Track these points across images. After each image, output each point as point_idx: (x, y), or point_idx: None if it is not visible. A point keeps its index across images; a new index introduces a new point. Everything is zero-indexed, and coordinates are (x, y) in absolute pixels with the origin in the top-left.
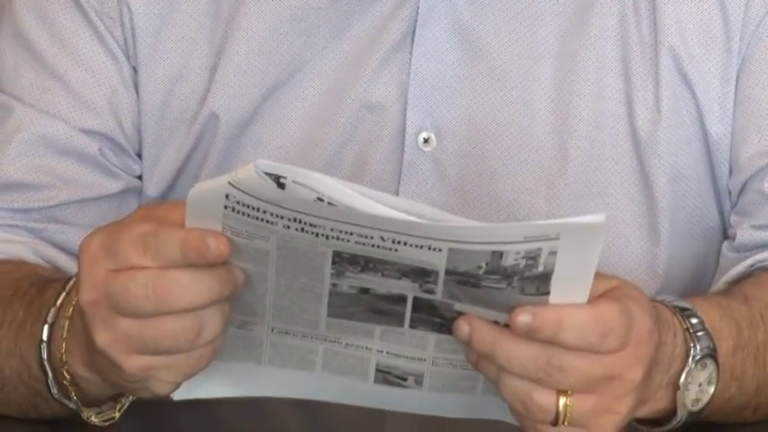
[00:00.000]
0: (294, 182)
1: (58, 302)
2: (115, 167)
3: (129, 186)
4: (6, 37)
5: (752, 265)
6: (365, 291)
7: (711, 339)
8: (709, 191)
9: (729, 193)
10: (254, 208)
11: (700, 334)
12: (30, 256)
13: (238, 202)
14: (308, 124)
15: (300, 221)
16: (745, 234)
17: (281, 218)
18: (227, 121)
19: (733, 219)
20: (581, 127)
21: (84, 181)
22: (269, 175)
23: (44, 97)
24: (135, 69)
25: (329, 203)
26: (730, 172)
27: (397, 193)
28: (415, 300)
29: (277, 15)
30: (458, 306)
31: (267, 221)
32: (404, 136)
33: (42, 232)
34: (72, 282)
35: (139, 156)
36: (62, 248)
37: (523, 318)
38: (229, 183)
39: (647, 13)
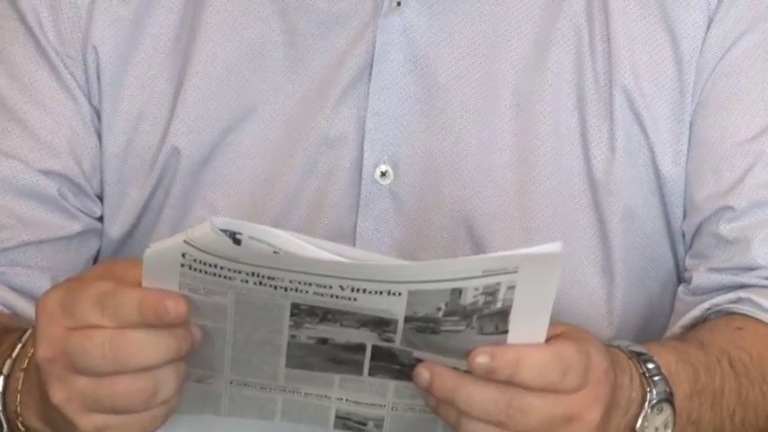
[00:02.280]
0: (250, 237)
1: (14, 354)
2: (74, 208)
3: (88, 228)
4: None
5: (708, 309)
6: (324, 341)
7: (668, 384)
8: (663, 232)
9: (683, 235)
10: (211, 265)
11: (656, 378)
12: None
13: (195, 260)
14: (267, 160)
15: (258, 275)
16: (701, 277)
17: (239, 273)
18: (189, 156)
19: (689, 262)
20: (537, 163)
21: (44, 222)
22: (224, 231)
23: (3, 139)
24: (98, 110)
25: (286, 256)
26: (684, 214)
27: (354, 227)
28: (374, 348)
29: (233, 51)
30: (417, 353)
31: (225, 277)
32: (361, 170)
33: (1, 276)
34: (28, 334)
35: (99, 197)
36: (21, 292)
37: (481, 358)
38: (185, 242)
39: (603, 51)
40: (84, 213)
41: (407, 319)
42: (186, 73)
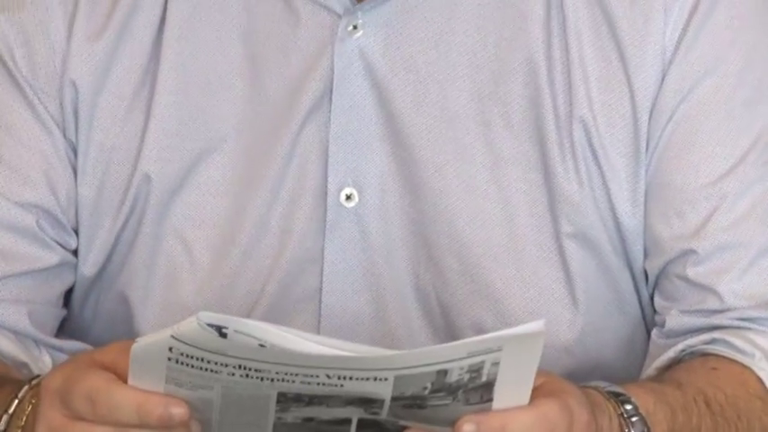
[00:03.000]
0: (236, 331)
1: (11, 410)
2: (52, 240)
3: (64, 260)
4: None
5: (682, 350)
6: (310, 419)
7: (645, 424)
8: (625, 268)
9: (646, 275)
10: (197, 358)
11: (634, 419)
12: None
13: (182, 354)
14: (235, 189)
15: (245, 368)
16: (673, 320)
17: (226, 366)
18: (159, 184)
19: (660, 304)
20: (499, 188)
21: (22, 254)
22: (211, 326)
23: None
24: (74, 144)
25: (272, 348)
26: (646, 254)
27: (322, 251)
28: (360, 419)
29: (196, 81)
30: (403, 421)
31: (211, 371)
32: (326, 194)
33: None
34: (25, 389)
35: (75, 231)
36: (1, 327)
37: (468, 427)
38: (172, 336)
39: (563, 85)
40: (61, 246)
41: (394, 399)
42: (153, 103)
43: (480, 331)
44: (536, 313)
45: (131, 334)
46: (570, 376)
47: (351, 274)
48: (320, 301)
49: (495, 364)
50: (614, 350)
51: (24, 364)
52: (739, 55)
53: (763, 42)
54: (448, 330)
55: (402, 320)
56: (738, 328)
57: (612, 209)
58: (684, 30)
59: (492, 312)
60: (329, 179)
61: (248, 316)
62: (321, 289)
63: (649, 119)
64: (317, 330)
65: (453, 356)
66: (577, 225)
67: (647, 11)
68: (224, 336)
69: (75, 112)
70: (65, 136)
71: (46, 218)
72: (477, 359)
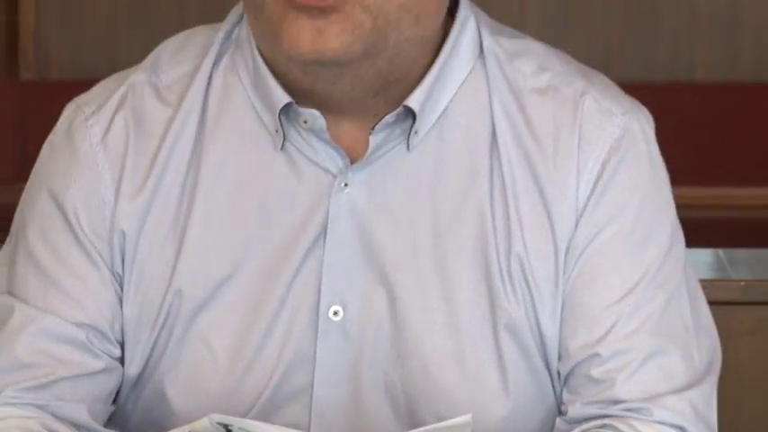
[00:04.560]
0: (239, 428)
1: None
2: (99, 350)
3: (109, 366)
4: (20, 256)
5: None
6: None
7: None
8: (545, 370)
9: (558, 375)
10: None
11: None
12: (38, 429)
13: None
14: (248, 306)
15: None
16: (576, 410)
17: None
18: (188, 301)
19: (566, 397)
20: (455, 307)
21: (75, 361)
22: (220, 424)
23: (45, 300)
24: (120, 276)
25: None
26: (559, 358)
27: (314, 355)
28: None
29: (222, 224)
30: None
31: None
32: (318, 310)
33: (46, 407)
34: None
35: (119, 342)
36: (63, 420)
37: None
38: (190, 431)
39: (504, 230)
40: (107, 354)
41: None
42: (185, 238)
43: (439, 418)
44: (478, 404)
45: (164, 419)
46: None
47: (336, 371)
48: (312, 392)
49: None
50: (538, 429)
51: None
52: (634, 207)
53: (652, 198)
54: (410, 417)
55: (373, 408)
56: (624, 417)
57: (538, 324)
58: (593, 189)
59: (445, 403)
60: (321, 299)
61: (257, 400)
62: (313, 382)
63: (566, 256)
64: (310, 412)
65: None
66: (514, 333)
67: (564, 175)
68: (229, 431)
69: (122, 252)
70: (113, 270)
71: (94, 333)
72: None
